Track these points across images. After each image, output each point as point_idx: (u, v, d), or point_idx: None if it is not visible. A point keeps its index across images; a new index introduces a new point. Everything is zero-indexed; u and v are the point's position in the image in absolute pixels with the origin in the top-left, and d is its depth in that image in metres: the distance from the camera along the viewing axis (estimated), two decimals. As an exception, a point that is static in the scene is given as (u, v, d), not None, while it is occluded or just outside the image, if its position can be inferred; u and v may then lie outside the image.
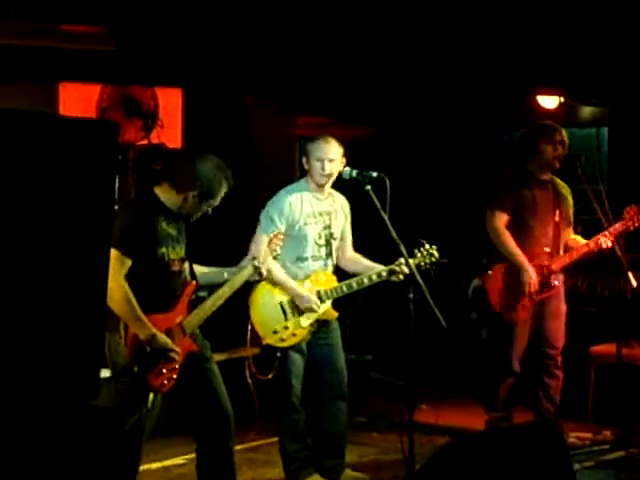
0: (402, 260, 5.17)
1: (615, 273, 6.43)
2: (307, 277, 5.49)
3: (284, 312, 5.44)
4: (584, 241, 6.27)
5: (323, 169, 5.42)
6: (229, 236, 6.70)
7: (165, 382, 4.59)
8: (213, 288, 4.91)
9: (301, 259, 5.50)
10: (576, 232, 6.48)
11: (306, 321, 5.46)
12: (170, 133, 7.95)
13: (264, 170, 8.63)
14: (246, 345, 5.51)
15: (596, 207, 6.05)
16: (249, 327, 5.43)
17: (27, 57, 6.97)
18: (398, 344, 5.52)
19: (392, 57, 7.57)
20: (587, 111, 8.20)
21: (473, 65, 7.46)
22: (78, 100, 7.71)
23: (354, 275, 5.57)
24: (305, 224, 5.49)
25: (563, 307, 6.38)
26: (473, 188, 7.84)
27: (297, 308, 5.44)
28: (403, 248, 5.02)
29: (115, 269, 4.32)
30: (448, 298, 5.39)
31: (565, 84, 7.45)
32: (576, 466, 5.71)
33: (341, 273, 5.71)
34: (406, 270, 5.18)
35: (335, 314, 5.58)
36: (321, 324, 5.54)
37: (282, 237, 5.20)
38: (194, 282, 4.78)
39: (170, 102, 8.07)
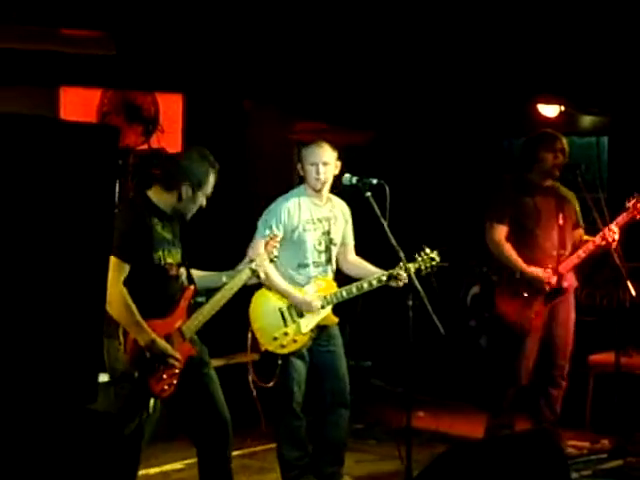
0: (402, 265, 5.18)
1: (614, 282, 6.43)
2: (308, 283, 5.49)
3: (283, 318, 5.43)
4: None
5: (317, 173, 5.42)
6: (227, 241, 6.69)
7: (166, 387, 4.59)
8: (211, 292, 4.91)
9: (302, 265, 5.49)
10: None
11: (306, 327, 5.45)
12: (170, 138, 7.97)
13: (263, 175, 8.64)
14: (244, 351, 5.52)
15: (596, 215, 6.05)
16: (249, 334, 5.43)
17: (28, 61, 6.96)
18: (397, 351, 5.52)
19: (393, 63, 7.59)
20: (587, 120, 8.21)
21: (474, 72, 7.47)
22: (79, 104, 7.72)
23: (356, 279, 5.57)
24: (304, 230, 5.48)
25: (573, 315, 6.30)
26: (473, 195, 7.84)
27: (296, 314, 5.43)
28: (402, 255, 5.04)
29: (114, 275, 4.32)
30: (447, 305, 5.39)
31: (566, 93, 7.45)
32: (574, 475, 5.73)
33: (342, 278, 5.71)
34: (405, 276, 5.19)
35: (335, 320, 5.57)
36: (322, 330, 5.53)
37: (279, 240, 5.21)
38: (192, 287, 4.77)
39: (170, 107, 8.09)
